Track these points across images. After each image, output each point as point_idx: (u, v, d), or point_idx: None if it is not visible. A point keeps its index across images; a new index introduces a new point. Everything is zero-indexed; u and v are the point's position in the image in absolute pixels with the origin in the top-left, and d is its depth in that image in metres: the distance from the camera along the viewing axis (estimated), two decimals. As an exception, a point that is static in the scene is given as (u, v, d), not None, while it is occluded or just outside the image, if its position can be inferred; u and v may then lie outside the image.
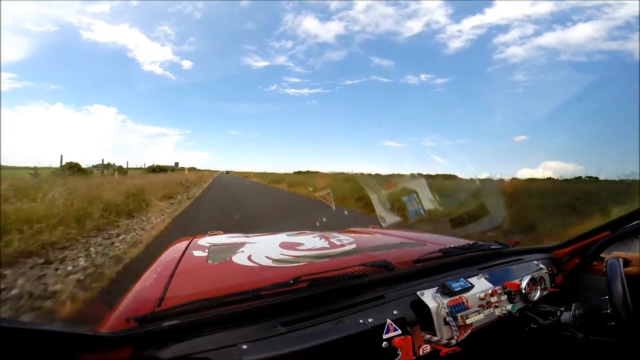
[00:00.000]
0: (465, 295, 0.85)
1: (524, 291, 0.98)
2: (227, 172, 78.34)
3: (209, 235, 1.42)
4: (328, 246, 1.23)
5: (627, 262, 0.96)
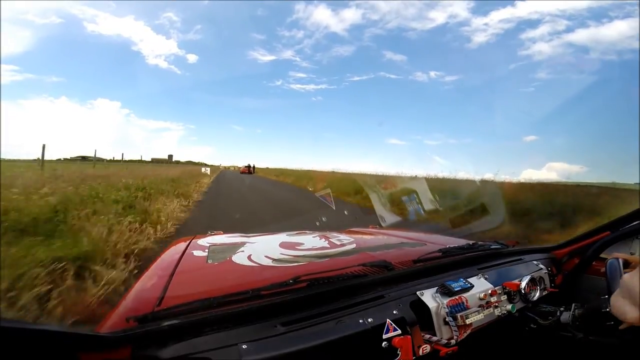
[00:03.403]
0: (465, 295, 0.85)
1: (523, 291, 0.98)
2: (251, 167, 37.92)
3: (209, 235, 1.43)
4: (328, 246, 1.24)
5: (627, 264, 0.96)
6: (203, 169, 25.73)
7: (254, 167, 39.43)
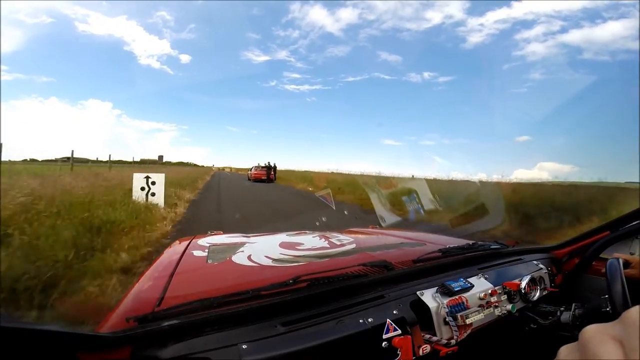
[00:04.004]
0: (465, 295, 0.85)
1: (523, 291, 0.98)
2: (271, 170, 19.74)
3: (209, 235, 1.43)
4: (328, 246, 1.24)
5: (627, 264, 0.96)
6: (137, 180, 6.25)
7: (274, 168, 21.01)
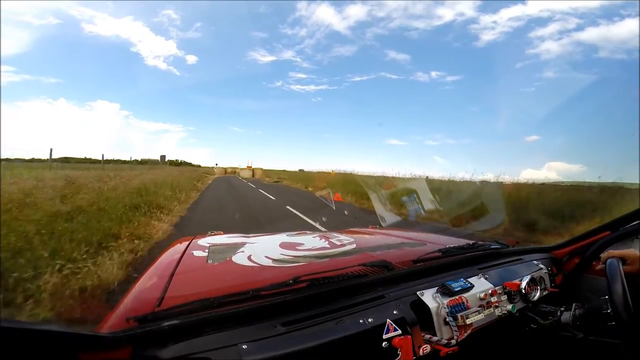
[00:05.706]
0: (465, 295, 0.85)
1: (524, 291, 0.98)
2: None
3: (209, 236, 1.43)
4: (328, 246, 1.23)
5: (624, 261, 0.96)
6: None
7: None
